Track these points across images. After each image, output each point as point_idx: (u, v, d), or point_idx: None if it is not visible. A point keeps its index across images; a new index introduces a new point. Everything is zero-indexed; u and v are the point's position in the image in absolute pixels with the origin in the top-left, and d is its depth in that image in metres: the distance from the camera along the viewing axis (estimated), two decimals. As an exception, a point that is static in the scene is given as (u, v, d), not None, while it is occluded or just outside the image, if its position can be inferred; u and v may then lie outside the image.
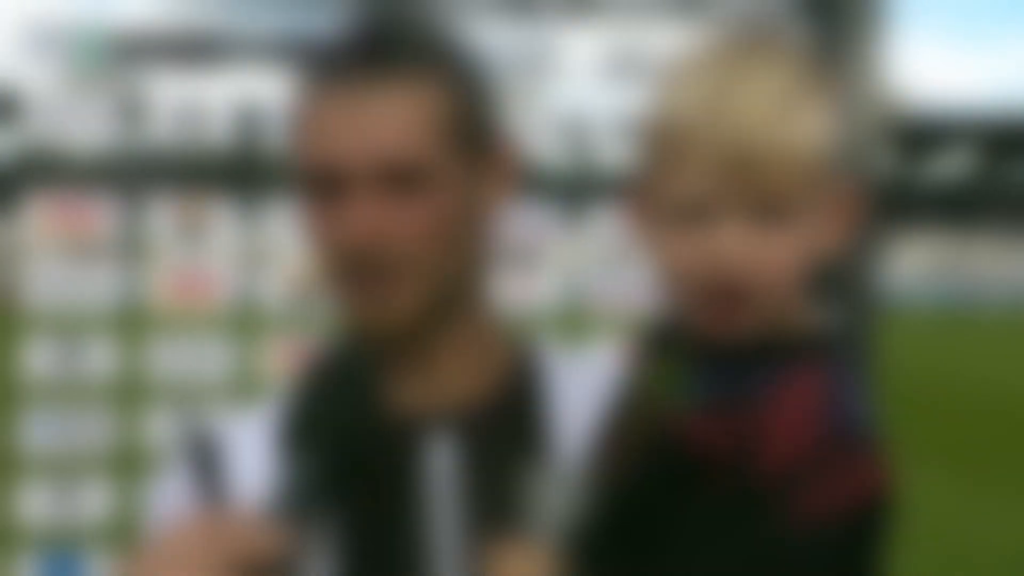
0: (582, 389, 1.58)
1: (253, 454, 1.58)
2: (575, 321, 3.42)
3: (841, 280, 2.92)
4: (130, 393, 3.20)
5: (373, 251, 1.50)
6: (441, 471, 1.56)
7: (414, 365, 1.57)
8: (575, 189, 3.40)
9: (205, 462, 1.59)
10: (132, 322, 3.23)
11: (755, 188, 1.38)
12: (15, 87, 3.23)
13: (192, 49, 3.17)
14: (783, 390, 1.39)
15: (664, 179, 1.42)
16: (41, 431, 3.15)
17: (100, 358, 3.20)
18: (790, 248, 1.40)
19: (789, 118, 1.39)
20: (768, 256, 1.40)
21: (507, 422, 1.58)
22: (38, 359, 3.17)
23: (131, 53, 3.17)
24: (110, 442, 3.18)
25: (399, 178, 1.50)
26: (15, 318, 3.20)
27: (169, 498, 1.60)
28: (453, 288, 1.55)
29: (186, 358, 3.22)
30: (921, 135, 41.25)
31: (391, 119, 1.50)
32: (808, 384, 1.39)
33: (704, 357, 1.42)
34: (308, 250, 1.54)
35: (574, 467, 1.50)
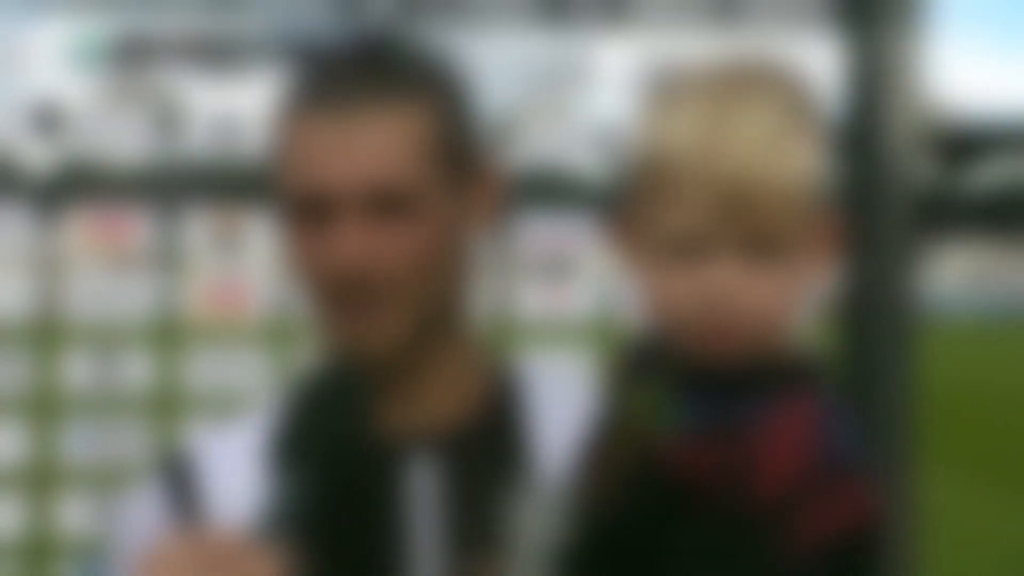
0: (564, 407, 1.57)
1: (232, 468, 1.57)
2: (608, 332, 3.42)
3: (879, 291, 2.91)
4: (167, 404, 3.21)
5: (360, 277, 1.48)
6: (423, 494, 1.56)
7: (398, 388, 1.56)
8: (609, 200, 3.39)
9: (179, 477, 1.58)
10: (169, 334, 3.25)
11: (749, 223, 1.38)
12: (55, 101, 3.26)
13: (224, 57, 3.19)
14: (775, 417, 1.39)
15: (655, 211, 1.41)
16: (79, 442, 3.17)
17: (137, 369, 3.22)
18: (783, 281, 1.41)
19: (782, 152, 1.40)
20: (761, 291, 1.40)
21: (489, 444, 1.58)
22: (76, 371, 3.19)
23: (161, 61, 3.19)
24: (147, 453, 3.19)
25: (386, 203, 1.48)
26: (54, 330, 3.22)
27: (139, 514, 1.59)
28: (438, 312, 1.55)
29: (223, 369, 3.23)
30: (962, 144, 41.04)
31: (377, 143, 1.48)
32: (799, 411, 1.39)
33: (691, 383, 1.42)
34: (289, 274, 1.53)
35: (556, 489, 1.49)
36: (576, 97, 3.28)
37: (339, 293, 1.50)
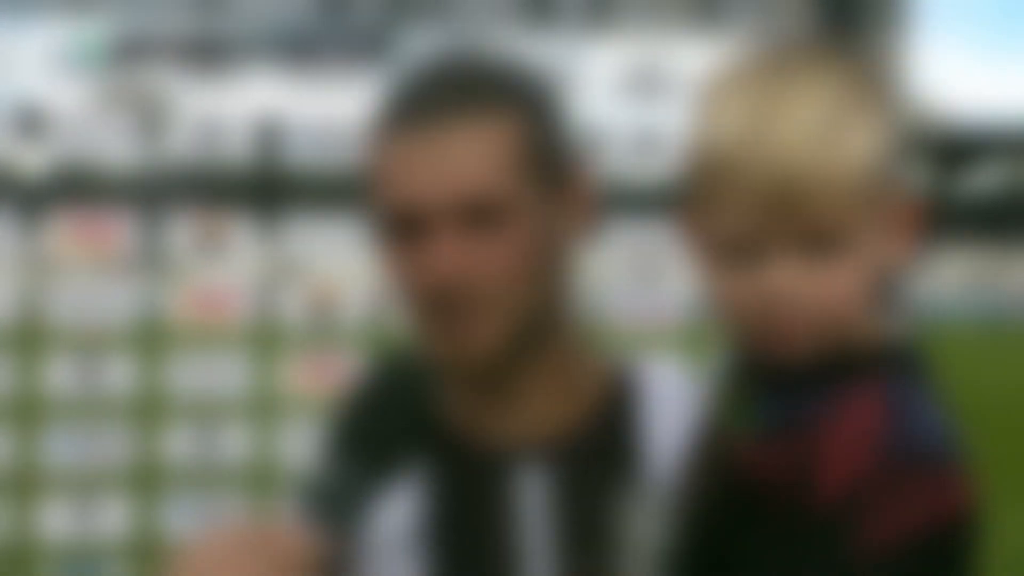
0: (672, 405, 1.57)
1: None
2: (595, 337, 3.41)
3: (890, 307, 2.91)
4: (149, 409, 3.20)
5: (457, 289, 1.49)
6: (533, 504, 1.57)
7: (502, 396, 1.56)
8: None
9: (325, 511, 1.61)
10: (152, 338, 3.24)
11: (804, 220, 1.31)
12: (40, 105, 3.25)
13: (211, 59, 3.18)
14: (838, 413, 1.34)
15: (709, 211, 1.34)
16: (62, 446, 3.16)
17: (120, 374, 3.21)
18: (848, 275, 1.33)
19: (835, 140, 1.32)
20: (823, 289, 1.32)
21: (599, 449, 1.57)
22: (59, 375, 3.18)
23: (148, 64, 3.18)
24: (130, 457, 3.18)
25: (480, 215, 1.49)
26: (37, 333, 3.22)
27: None
28: (537, 319, 1.55)
29: (206, 374, 3.22)
30: (958, 148, 41.10)
31: (470, 156, 1.49)
32: (865, 404, 1.34)
33: (766, 384, 1.38)
34: (388, 286, 1.54)
35: (665, 494, 1.48)
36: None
37: (436, 305, 1.50)
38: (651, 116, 3.31)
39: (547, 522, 1.57)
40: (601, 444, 1.58)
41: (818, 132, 1.32)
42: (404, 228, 1.51)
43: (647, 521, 1.47)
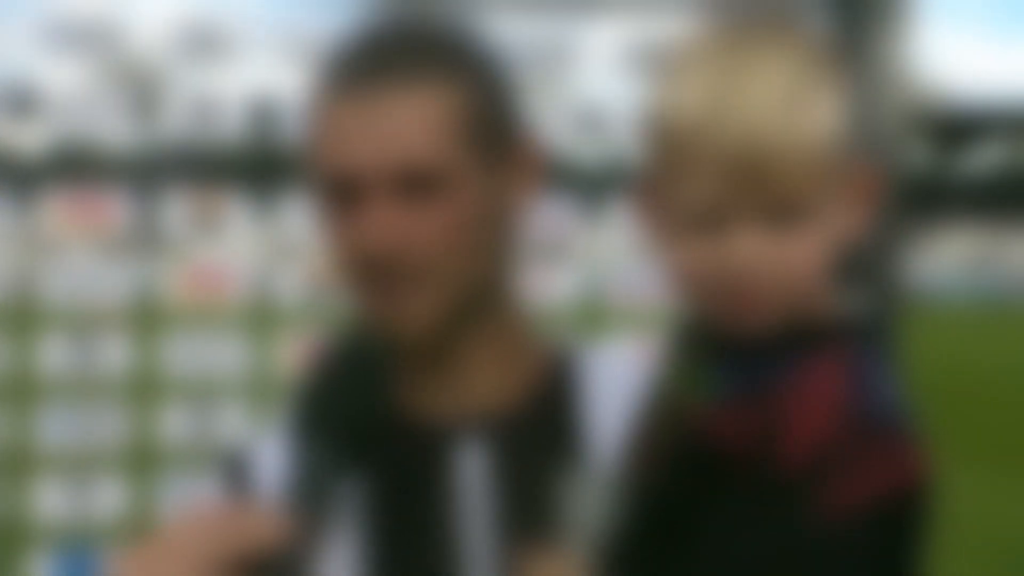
0: (616, 388, 1.55)
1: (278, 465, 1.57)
2: (595, 316, 3.40)
3: (867, 272, 2.89)
4: (145, 389, 3.19)
5: (391, 258, 1.47)
6: (473, 478, 1.54)
7: (441, 370, 1.55)
8: (593, 183, 3.37)
9: (234, 476, 1.58)
10: (147, 317, 3.23)
11: (767, 191, 1.32)
12: (34, 83, 3.23)
13: (206, 42, 3.16)
14: (803, 379, 1.34)
15: (672, 182, 1.36)
16: (56, 427, 3.15)
17: (115, 353, 3.20)
18: (809, 246, 1.36)
19: (797, 112, 1.33)
20: (786, 258, 1.35)
21: (540, 426, 1.56)
22: (53, 354, 3.17)
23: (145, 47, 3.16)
24: (125, 438, 3.17)
25: (416, 183, 1.47)
26: (31, 313, 3.20)
27: (191, 503, 1.59)
28: (476, 292, 1.53)
29: (201, 354, 3.21)
30: (955, 127, 41.05)
31: (407, 123, 1.46)
32: (829, 372, 1.35)
33: (726, 352, 1.39)
34: (326, 253, 1.52)
35: (609, 470, 1.47)
36: (560, 80, 3.26)
37: (371, 275, 1.49)
38: (648, 95, 3.28)
39: (487, 497, 1.54)
40: (541, 420, 1.57)
41: (780, 103, 1.33)
42: (340, 195, 1.49)
43: (589, 500, 1.44)
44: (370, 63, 1.48)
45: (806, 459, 1.31)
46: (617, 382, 1.55)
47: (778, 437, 1.32)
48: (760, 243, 1.34)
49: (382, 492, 1.52)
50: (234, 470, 1.59)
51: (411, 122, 1.46)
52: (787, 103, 1.34)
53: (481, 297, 1.52)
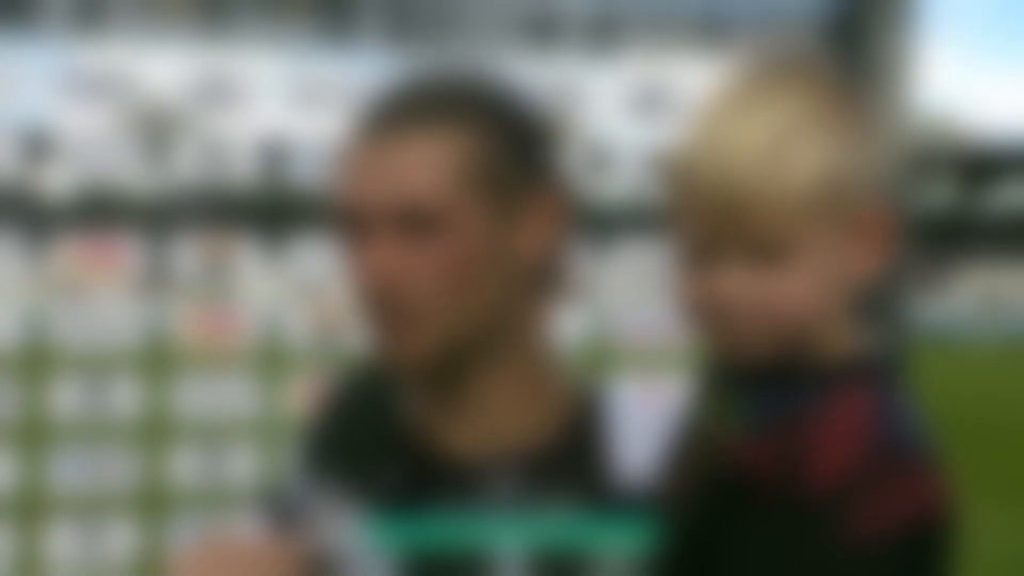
0: (641, 425, 1.59)
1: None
2: (604, 355, 3.41)
3: (884, 309, 2.90)
4: (156, 431, 3.20)
5: (390, 291, 1.53)
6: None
7: (464, 406, 1.59)
8: (600, 222, 3.39)
9: (280, 511, 1.63)
10: (159, 360, 3.24)
11: (749, 231, 1.38)
12: (51, 128, 3.26)
13: (219, 88, 3.19)
14: (829, 410, 1.39)
15: (675, 219, 1.44)
16: (67, 469, 3.16)
17: (126, 396, 3.21)
18: (799, 282, 1.39)
19: (781, 158, 1.38)
20: (772, 295, 1.39)
21: (568, 461, 1.59)
22: (64, 397, 3.18)
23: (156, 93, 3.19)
24: (136, 480, 3.18)
25: (417, 222, 1.53)
26: (43, 355, 3.22)
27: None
28: (482, 329, 1.56)
29: (213, 396, 3.23)
30: (976, 166, 40.98)
31: (414, 164, 1.53)
32: (854, 403, 1.39)
33: (754, 386, 1.43)
34: (345, 290, 1.58)
35: (638, 505, 1.52)
36: (567, 121, 3.28)
37: (375, 306, 1.55)
38: (658, 135, 3.31)
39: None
40: (570, 457, 1.61)
41: (764, 149, 1.38)
42: (351, 230, 1.57)
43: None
44: (393, 110, 1.56)
45: (832, 486, 1.35)
46: (642, 419, 1.60)
47: (805, 465, 1.37)
48: (743, 280, 1.39)
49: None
50: (280, 505, 1.64)
51: (418, 163, 1.53)
52: (771, 149, 1.38)
53: (490, 333, 1.55)
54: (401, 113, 1.55)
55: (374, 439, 1.57)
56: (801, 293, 1.40)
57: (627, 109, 3.31)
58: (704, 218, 1.40)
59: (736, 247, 1.39)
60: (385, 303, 1.53)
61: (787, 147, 1.39)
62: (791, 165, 1.38)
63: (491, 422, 1.59)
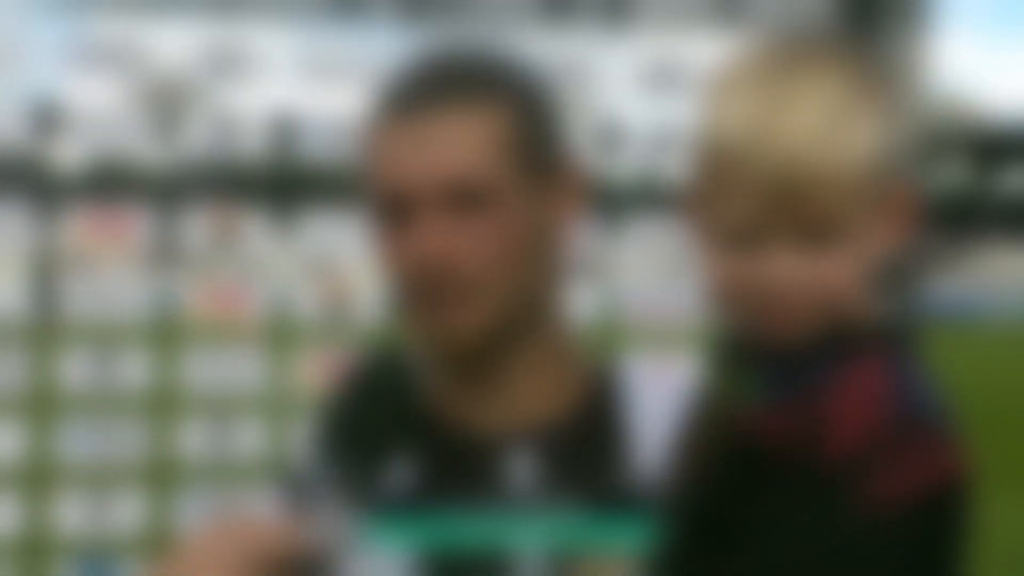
0: (657, 401, 1.60)
1: None
2: (617, 333, 3.40)
3: (892, 288, 2.89)
4: (165, 404, 3.21)
5: (441, 272, 1.52)
6: (521, 488, 1.57)
7: (489, 383, 1.59)
8: (613, 200, 3.38)
9: (296, 489, 1.63)
10: (168, 333, 3.24)
11: (804, 213, 1.35)
12: (61, 101, 3.26)
13: (229, 61, 3.19)
14: (845, 379, 1.39)
15: (713, 200, 1.40)
16: (76, 441, 3.17)
17: (135, 369, 3.21)
18: (845, 264, 1.38)
19: (840, 135, 1.35)
20: (820, 277, 1.38)
21: (586, 437, 1.59)
22: (74, 370, 3.19)
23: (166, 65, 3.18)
24: (144, 453, 3.19)
25: (465, 199, 1.53)
26: (52, 329, 3.22)
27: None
28: (523, 307, 1.57)
29: (221, 370, 3.23)
30: (994, 146, 40.84)
31: (456, 141, 1.52)
32: (870, 373, 1.39)
33: (769, 358, 1.43)
34: (380, 272, 1.57)
35: (653, 479, 1.52)
36: (580, 97, 3.27)
37: (423, 288, 1.54)
38: (671, 112, 3.30)
39: (536, 507, 1.57)
40: (588, 433, 1.61)
41: (823, 127, 1.35)
42: (392, 212, 1.56)
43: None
44: (423, 88, 1.55)
45: (849, 454, 1.35)
46: (658, 395, 1.60)
47: (822, 434, 1.37)
48: (794, 262, 1.37)
49: (433, 498, 1.56)
50: (295, 487, 1.64)
51: (461, 141, 1.53)
52: (829, 127, 1.35)
53: (527, 312, 1.57)
54: (431, 90, 1.54)
55: (392, 419, 1.58)
56: (846, 275, 1.39)
57: (640, 86, 3.30)
58: (753, 200, 1.36)
59: (786, 229, 1.36)
60: (436, 285, 1.52)
61: (841, 126, 1.36)
62: (847, 145, 1.36)
63: (513, 399, 1.60)
